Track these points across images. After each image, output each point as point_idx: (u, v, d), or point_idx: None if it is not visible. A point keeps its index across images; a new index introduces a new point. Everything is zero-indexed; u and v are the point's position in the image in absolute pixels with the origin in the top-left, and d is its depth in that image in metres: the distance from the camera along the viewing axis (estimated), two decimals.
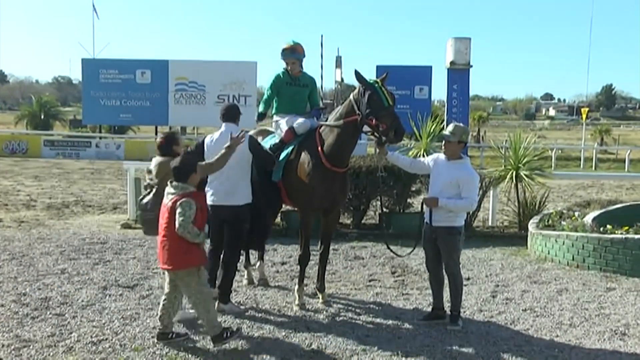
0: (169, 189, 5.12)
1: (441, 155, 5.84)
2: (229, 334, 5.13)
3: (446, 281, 5.93)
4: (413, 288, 7.11)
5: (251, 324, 5.75)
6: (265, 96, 6.85)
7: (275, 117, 6.80)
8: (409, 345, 5.32)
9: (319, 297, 6.45)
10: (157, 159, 5.73)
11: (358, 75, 5.89)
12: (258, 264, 7.23)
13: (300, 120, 6.51)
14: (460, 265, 8.14)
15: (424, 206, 5.84)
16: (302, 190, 6.16)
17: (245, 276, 7.14)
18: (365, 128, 5.95)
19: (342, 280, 7.39)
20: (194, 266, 5.09)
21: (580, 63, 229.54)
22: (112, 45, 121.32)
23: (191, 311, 5.72)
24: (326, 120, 6.44)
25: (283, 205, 7.18)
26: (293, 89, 6.76)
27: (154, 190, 5.63)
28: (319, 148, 6.11)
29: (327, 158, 6.05)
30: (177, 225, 4.91)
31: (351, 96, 6.06)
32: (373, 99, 5.74)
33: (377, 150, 6.06)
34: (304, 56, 6.85)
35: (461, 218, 5.81)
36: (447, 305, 5.98)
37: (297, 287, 6.41)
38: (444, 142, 5.79)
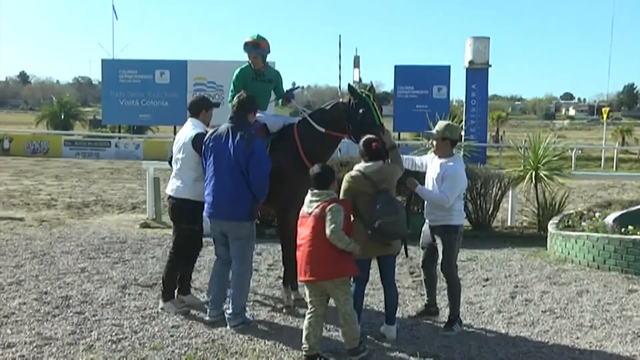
0: (310, 197, 4.97)
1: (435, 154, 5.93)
2: (364, 348, 4.99)
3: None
4: None
5: (268, 323, 5.78)
6: (231, 94, 6.55)
7: None
8: (427, 345, 5.29)
9: (291, 296, 6.29)
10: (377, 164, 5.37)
11: (351, 89, 5.91)
12: None
13: (273, 118, 6.47)
14: (479, 266, 8.15)
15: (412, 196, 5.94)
16: (281, 189, 5.98)
17: None
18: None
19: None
20: (347, 276, 5.00)
21: (601, 62, 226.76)
22: (132, 45, 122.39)
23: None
24: (308, 113, 6.36)
25: None
26: (258, 84, 6.59)
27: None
28: (300, 148, 6.04)
29: (308, 158, 5.96)
30: (328, 232, 4.76)
31: (340, 105, 5.99)
32: (365, 116, 5.72)
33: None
34: (268, 52, 6.68)
35: (457, 217, 5.78)
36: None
37: (283, 288, 6.35)
38: (431, 141, 5.89)
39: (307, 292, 5.03)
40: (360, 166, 5.37)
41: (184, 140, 5.97)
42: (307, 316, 4.94)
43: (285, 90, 6.89)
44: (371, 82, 6.21)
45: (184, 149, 5.95)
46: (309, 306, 4.97)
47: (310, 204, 4.96)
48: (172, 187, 6.05)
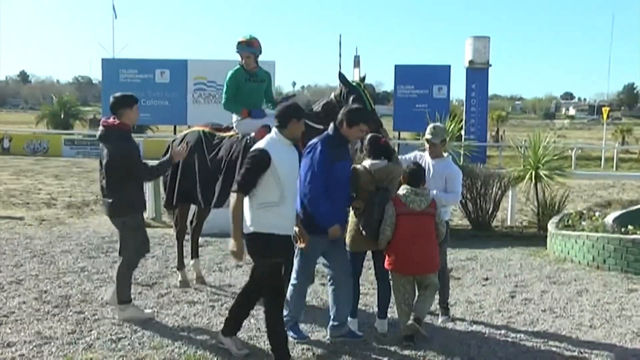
0: (412, 195, 5.27)
1: (424, 154, 5.95)
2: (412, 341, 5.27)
3: None
4: None
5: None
6: (226, 94, 6.69)
7: (234, 115, 6.72)
8: (427, 345, 5.29)
9: None
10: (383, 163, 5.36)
11: (342, 77, 6.04)
12: (192, 262, 7.09)
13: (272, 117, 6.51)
14: (479, 265, 8.18)
15: None
16: None
17: (179, 277, 6.91)
18: None
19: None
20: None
21: (601, 61, 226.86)
22: (132, 45, 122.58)
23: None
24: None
25: None
26: (251, 85, 6.71)
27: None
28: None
29: None
30: (443, 230, 5.39)
31: (332, 97, 6.12)
32: (357, 102, 5.79)
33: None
34: (260, 52, 6.79)
35: (448, 213, 6.13)
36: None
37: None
38: (427, 144, 5.91)
39: (402, 282, 5.32)
40: (366, 163, 5.43)
41: None
42: (404, 303, 5.34)
43: (280, 98, 6.98)
44: (364, 74, 6.35)
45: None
46: (404, 295, 5.34)
47: (415, 201, 5.24)
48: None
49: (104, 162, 5.59)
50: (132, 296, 6.42)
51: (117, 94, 5.69)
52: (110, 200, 5.64)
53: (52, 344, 5.11)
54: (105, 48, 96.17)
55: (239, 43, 6.67)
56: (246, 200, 4.69)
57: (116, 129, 5.56)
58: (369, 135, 5.49)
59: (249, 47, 6.68)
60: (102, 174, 5.70)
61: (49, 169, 21.13)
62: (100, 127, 5.64)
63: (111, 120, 5.61)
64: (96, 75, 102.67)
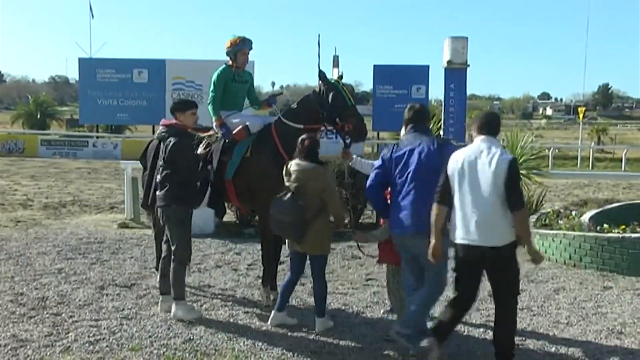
0: None
1: None
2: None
3: None
4: None
5: (246, 324, 5.77)
6: (212, 95, 6.66)
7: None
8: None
9: (270, 296, 6.27)
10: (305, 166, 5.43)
11: (321, 74, 6.06)
12: None
13: (253, 118, 6.55)
14: None
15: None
16: (263, 188, 6.03)
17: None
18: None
19: (340, 279, 7.40)
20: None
21: (577, 62, 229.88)
22: (109, 44, 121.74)
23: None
24: (281, 113, 6.50)
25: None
26: (237, 85, 6.72)
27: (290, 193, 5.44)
28: (280, 147, 6.09)
29: (289, 156, 6.00)
30: None
31: (311, 96, 6.16)
32: (337, 99, 5.87)
33: (342, 155, 6.16)
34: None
35: None
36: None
37: (262, 287, 6.34)
38: None
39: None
40: (294, 161, 5.53)
41: (491, 167, 4.45)
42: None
43: (268, 96, 6.97)
44: (342, 73, 6.37)
45: (490, 177, 4.46)
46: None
47: None
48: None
49: (164, 157, 5.88)
50: (110, 297, 6.40)
51: (176, 99, 6.18)
52: (158, 192, 5.92)
53: (29, 346, 5.05)
54: (82, 47, 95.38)
55: (244, 40, 6.64)
56: (501, 209, 4.48)
57: (172, 127, 6.08)
58: (303, 135, 5.62)
59: (250, 43, 6.71)
60: (158, 170, 6.09)
61: (25, 169, 20.87)
62: (161, 127, 6.22)
63: (170, 121, 6.16)
64: (73, 74, 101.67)
